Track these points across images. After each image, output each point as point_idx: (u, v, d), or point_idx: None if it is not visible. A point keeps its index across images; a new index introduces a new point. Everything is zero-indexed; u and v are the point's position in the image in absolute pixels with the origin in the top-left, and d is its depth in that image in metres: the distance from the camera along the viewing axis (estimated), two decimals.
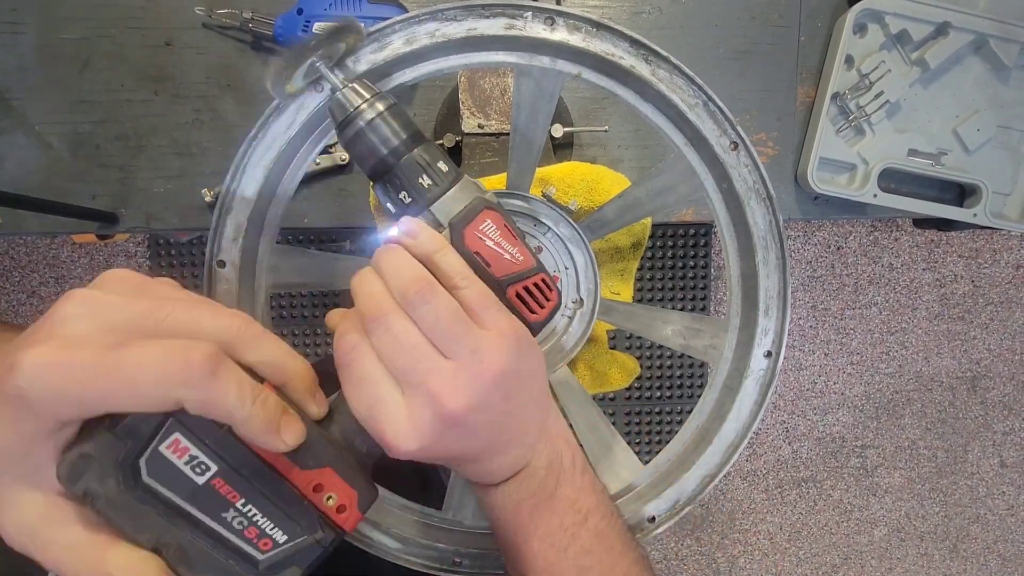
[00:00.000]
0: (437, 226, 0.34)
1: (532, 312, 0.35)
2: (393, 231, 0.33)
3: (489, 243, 0.34)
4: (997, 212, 0.61)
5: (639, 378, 1.34)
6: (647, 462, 0.44)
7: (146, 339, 0.25)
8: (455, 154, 0.58)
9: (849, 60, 0.59)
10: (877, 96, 0.59)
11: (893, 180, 0.61)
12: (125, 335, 0.25)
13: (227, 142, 0.58)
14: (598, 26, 0.39)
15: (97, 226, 0.57)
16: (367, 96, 0.34)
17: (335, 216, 0.59)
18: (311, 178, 0.58)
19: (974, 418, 1.52)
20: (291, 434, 0.27)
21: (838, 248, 1.47)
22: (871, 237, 1.47)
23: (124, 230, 0.58)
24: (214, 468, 0.26)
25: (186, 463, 0.26)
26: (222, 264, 0.41)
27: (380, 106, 0.34)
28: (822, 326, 1.48)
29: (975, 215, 0.60)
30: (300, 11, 0.54)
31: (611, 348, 0.61)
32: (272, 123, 0.39)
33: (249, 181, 0.40)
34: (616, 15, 0.59)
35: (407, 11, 0.51)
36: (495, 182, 0.54)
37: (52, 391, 0.23)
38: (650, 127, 0.42)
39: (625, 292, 0.60)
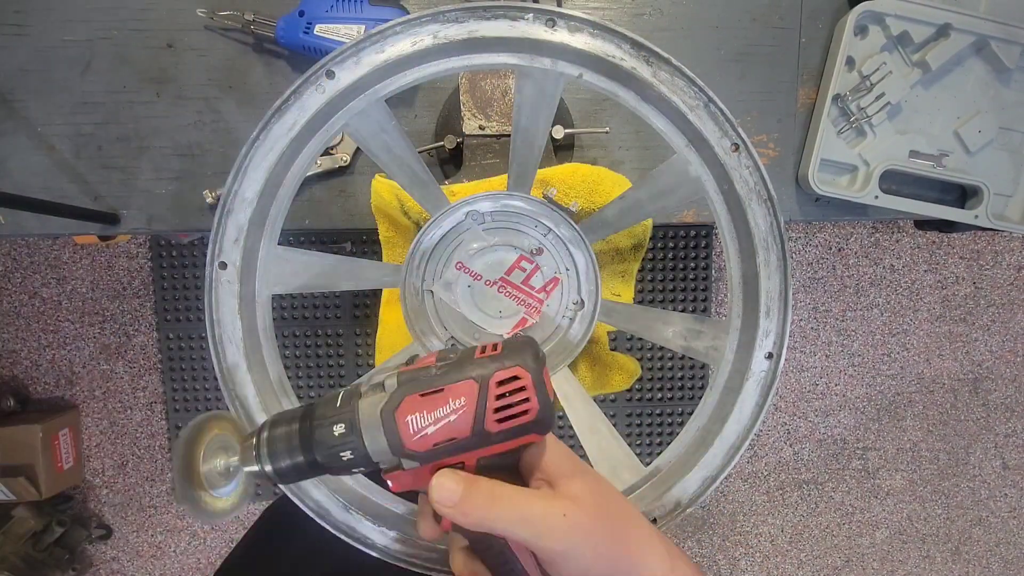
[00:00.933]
0: (396, 463, 0.32)
1: (524, 412, 0.31)
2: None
3: (431, 430, 0.31)
4: (998, 214, 0.61)
5: (640, 379, 1.34)
6: (648, 463, 0.44)
7: None
8: (456, 156, 0.58)
9: (850, 62, 0.59)
10: (878, 98, 0.58)
11: (894, 181, 0.61)
12: None
13: (229, 143, 0.58)
14: (599, 28, 0.40)
15: (99, 227, 0.57)
16: (252, 445, 0.32)
17: (336, 217, 0.59)
18: (312, 179, 0.58)
19: (976, 420, 1.52)
20: None
21: (839, 250, 1.46)
22: (872, 239, 1.46)
23: (126, 231, 0.58)
24: None
25: None
26: (224, 265, 0.41)
27: (264, 451, 0.32)
28: (823, 328, 1.48)
29: (976, 217, 0.60)
30: (302, 13, 0.54)
31: (612, 349, 0.61)
32: (273, 125, 0.39)
33: (250, 182, 0.40)
34: (617, 17, 0.59)
35: (408, 13, 0.51)
36: (496, 183, 0.54)
37: None
38: (651, 129, 0.42)
39: (626, 293, 0.60)
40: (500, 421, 0.31)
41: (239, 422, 0.37)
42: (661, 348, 1.40)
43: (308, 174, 0.56)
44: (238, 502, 0.34)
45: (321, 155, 0.52)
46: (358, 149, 0.58)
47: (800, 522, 1.51)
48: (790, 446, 1.50)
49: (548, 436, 0.34)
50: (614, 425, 0.45)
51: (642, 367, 1.40)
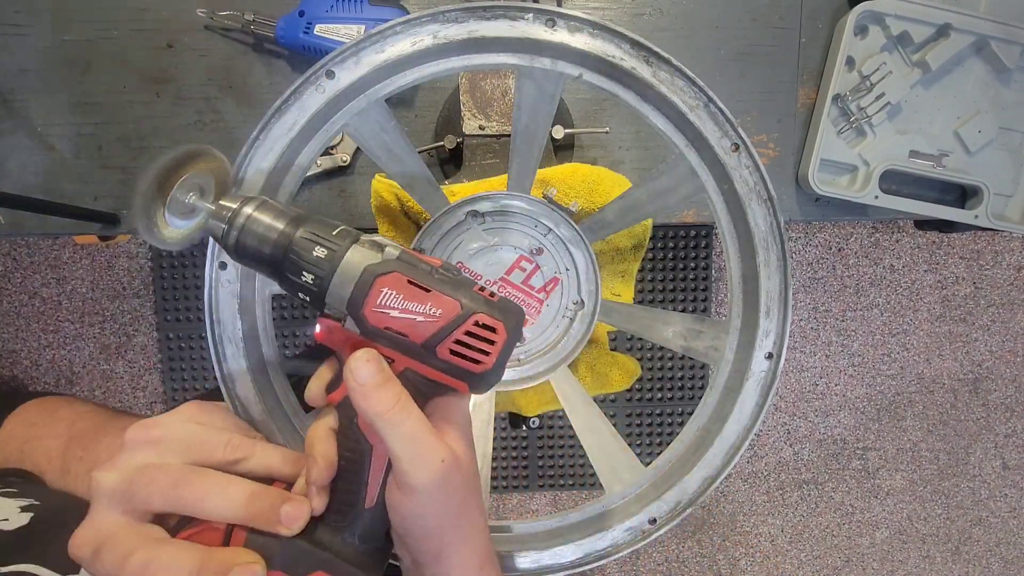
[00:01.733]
0: (342, 314, 0.31)
1: (476, 362, 0.31)
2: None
3: (395, 314, 0.31)
4: (998, 214, 0.61)
5: (640, 380, 1.34)
6: (648, 464, 0.44)
7: (109, 541, 0.30)
8: (456, 156, 0.58)
9: (850, 62, 0.59)
10: (878, 98, 0.58)
11: (894, 181, 0.61)
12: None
13: (229, 143, 0.58)
14: (599, 28, 0.40)
15: (99, 227, 0.57)
16: (233, 206, 0.32)
17: (336, 217, 0.59)
18: (312, 179, 0.58)
19: (976, 420, 1.52)
20: None
21: (839, 250, 1.46)
22: (872, 239, 1.46)
23: (126, 231, 0.58)
24: None
25: None
26: (223, 265, 0.41)
27: (247, 210, 0.32)
28: (823, 328, 1.48)
29: (976, 217, 0.60)
30: (302, 13, 0.54)
31: (612, 350, 0.61)
32: (273, 124, 0.39)
33: (250, 182, 0.40)
34: (617, 17, 0.59)
35: (408, 13, 0.51)
36: (496, 183, 0.54)
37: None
38: (651, 128, 0.42)
39: (626, 293, 0.60)
40: (453, 353, 0.31)
41: (228, 173, 0.37)
42: (661, 348, 1.40)
43: (308, 174, 0.56)
44: (182, 240, 0.34)
45: (321, 155, 0.52)
46: (358, 149, 0.58)
47: (800, 522, 1.51)
48: (790, 446, 1.50)
49: (466, 398, 0.35)
50: (614, 425, 0.45)
51: (642, 367, 1.40)
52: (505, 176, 0.50)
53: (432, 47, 0.40)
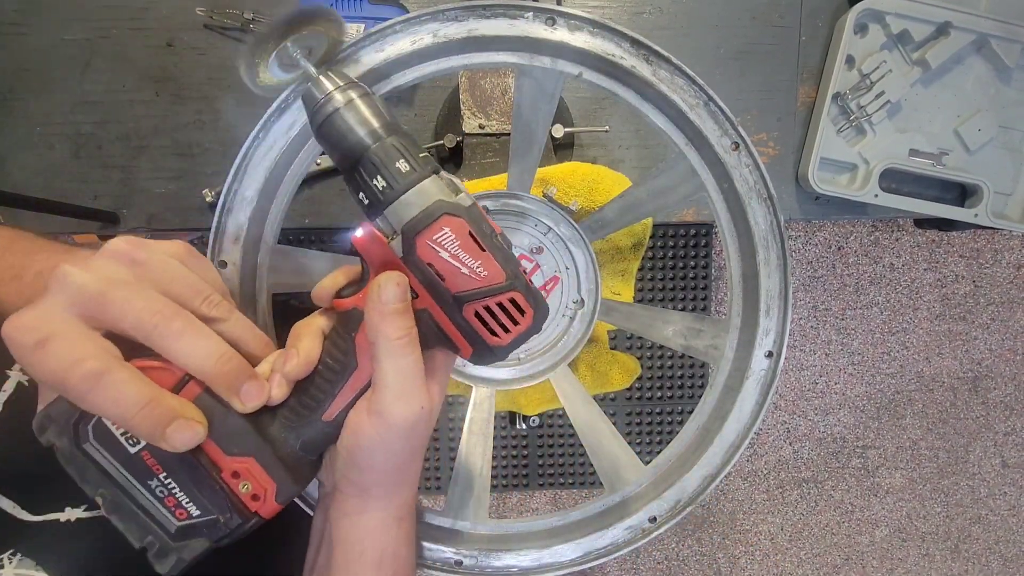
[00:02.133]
0: (392, 232, 0.31)
1: (493, 334, 0.32)
2: (359, 232, 0.32)
3: (444, 255, 0.31)
4: (998, 212, 0.61)
5: (640, 378, 1.34)
6: (648, 462, 0.44)
7: (60, 337, 0.27)
8: (456, 155, 0.58)
9: (850, 60, 0.59)
10: (878, 96, 0.58)
11: (894, 180, 0.61)
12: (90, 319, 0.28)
13: (228, 142, 0.58)
14: (599, 26, 0.39)
15: (98, 226, 0.57)
16: (339, 83, 0.32)
17: (336, 216, 0.59)
18: (312, 178, 0.58)
19: (975, 418, 1.52)
20: (181, 439, 0.28)
21: (839, 248, 1.46)
22: (872, 237, 1.46)
23: (125, 230, 0.58)
24: (144, 443, 0.29)
25: (122, 434, 0.29)
26: (223, 264, 0.41)
27: (351, 94, 0.32)
28: (823, 326, 1.48)
29: (976, 215, 0.60)
30: None
31: (612, 348, 0.62)
32: (273, 123, 0.39)
33: (250, 181, 0.40)
34: (617, 15, 0.59)
35: (408, 11, 0.51)
36: (496, 182, 0.54)
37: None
38: (651, 127, 0.42)
39: (626, 292, 0.60)
40: (477, 316, 0.32)
41: (341, 45, 0.37)
42: (661, 347, 1.40)
43: (308, 173, 0.56)
44: (272, 88, 0.35)
45: (321, 154, 0.52)
46: None
47: (800, 520, 1.52)
48: (790, 444, 1.50)
49: (454, 359, 0.36)
50: (614, 424, 0.45)
51: (642, 366, 1.40)
52: (505, 175, 0.50)
53: (432, 46, 0.39)
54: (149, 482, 0.30)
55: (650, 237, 0.58)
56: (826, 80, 0.58)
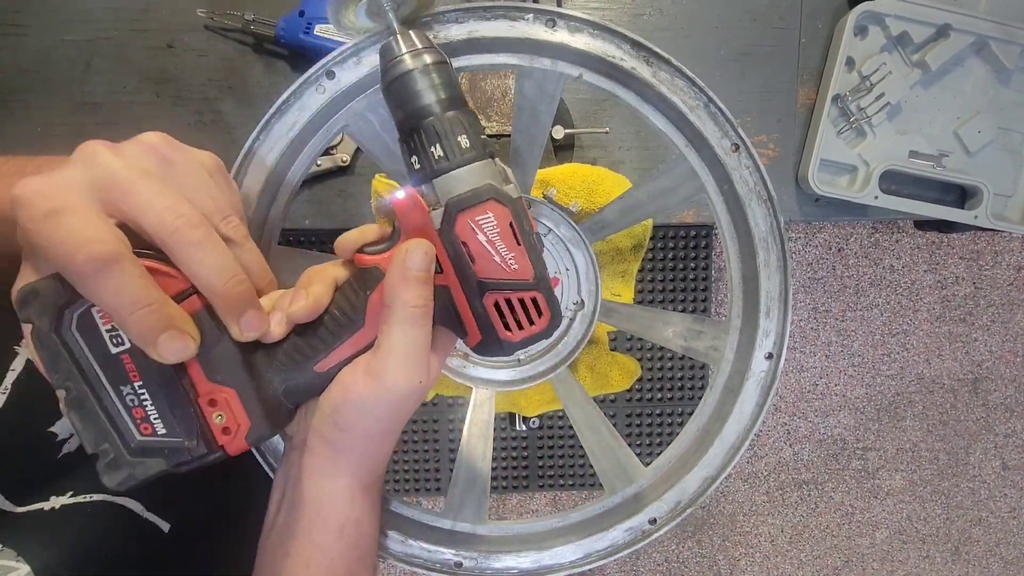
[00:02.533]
0: (435, 202, 0.31)
1: (507, 328, 0.32)
2: (398, 194, 0.32)
3: (481, 238, 0.31)
4: (998, 214, 0.61)
5: (640, 380, 1.34)
6: (648, 464, 0.44)
7: (75, 213, 0.26)
8: None
9: (850, 62, 0.59)
10: (878, 98, 0.59)
11: (894, 182, 0.61)
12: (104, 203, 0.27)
13: (229, 144, 0.58)
14: (599, 28, 0.40)
15: None
16: (419, 46, 0.32)
17: (336, 218, 0.59)
18: (312, 180, 0.58)
19: (976, 420, 1.52)
20: (171, 349, 0.27)
21: (839, 250, 1.46)
22: (872, 239, 1.47)
23: None
24: (128, 345, 0.28)
25: (108, 330, 0.28)
26: None
27: (427, 58, 0.32)
28: (823, 328, 1.48)
29: (976, 217, 0.60)
30: (302, 13, 0.54)
31: (612, 350, 0.62)
32: (273, 124, 0.39)
33: (250, 183, 0.40)
34: (617, 17, 0.59)
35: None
36: None
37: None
38: (651, 129, 0.42)
39: (626, 294, 0.61)
40: (496, 306, 0.32)
41: (431, 6, 0.38)
42: (661, 348, 1.40)
43: (308, 174, 0.56)
44: (354, 32, 0.36)
45: (321, 155, 0.52)
46: (358, 149, 0.58)
47: (800, 522, 1.51)
48: (790, 446, 1.50)
49: (458, 363, 0.38)
50: (614, 425, 0.45)
51: (642, 367, 1.40)
52: None
53: None
54: (122, 387, 0.28)
55: (650, 238, 0.58)
56: (826, 82, 0.58)
